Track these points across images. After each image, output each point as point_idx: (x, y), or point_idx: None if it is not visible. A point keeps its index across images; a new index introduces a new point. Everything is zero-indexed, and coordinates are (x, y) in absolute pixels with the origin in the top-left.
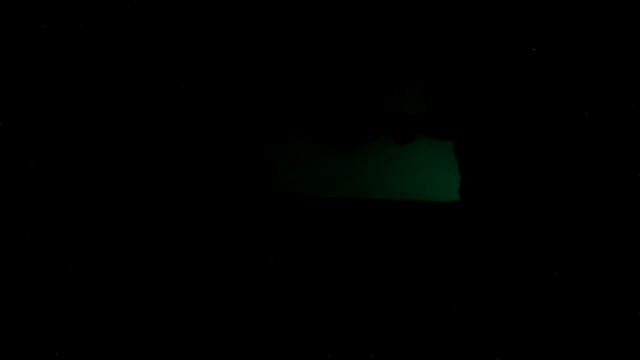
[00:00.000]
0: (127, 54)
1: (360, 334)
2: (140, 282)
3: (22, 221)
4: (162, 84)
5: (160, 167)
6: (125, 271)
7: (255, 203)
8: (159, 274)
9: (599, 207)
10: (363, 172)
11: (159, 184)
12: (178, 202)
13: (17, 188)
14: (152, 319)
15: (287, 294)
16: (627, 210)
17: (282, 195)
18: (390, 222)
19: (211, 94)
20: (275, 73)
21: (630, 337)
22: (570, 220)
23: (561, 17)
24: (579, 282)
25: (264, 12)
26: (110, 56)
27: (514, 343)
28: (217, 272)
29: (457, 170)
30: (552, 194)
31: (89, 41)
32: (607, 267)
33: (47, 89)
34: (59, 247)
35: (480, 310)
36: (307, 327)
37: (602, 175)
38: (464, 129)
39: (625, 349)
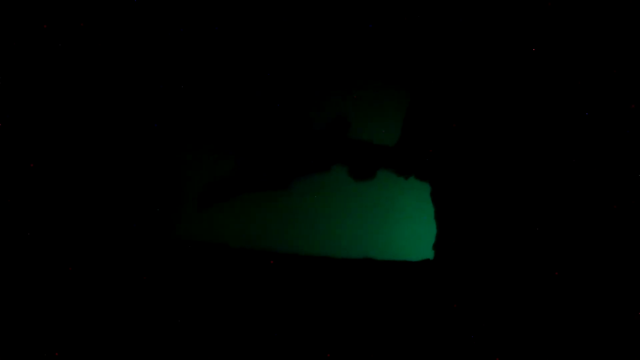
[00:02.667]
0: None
1: None
2: (140, 283)
3: (22, 221)
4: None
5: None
6: (125, 271)
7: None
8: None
9: (599, 207)
10: (303, 215)
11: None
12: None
13: (17, 188)
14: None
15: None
16: (627, 210)
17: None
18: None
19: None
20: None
21: (630, 337)
22: (568, 229)
23: (561, 17)
24: (579, 283)
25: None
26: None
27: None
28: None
29: (432, 219)
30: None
31: (89, 41)
32: (607, 267)
33: (47, 89)
34: (58, 247)
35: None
36: None
37: (602, 175)
38: (451, 163)
39: (625, 349)
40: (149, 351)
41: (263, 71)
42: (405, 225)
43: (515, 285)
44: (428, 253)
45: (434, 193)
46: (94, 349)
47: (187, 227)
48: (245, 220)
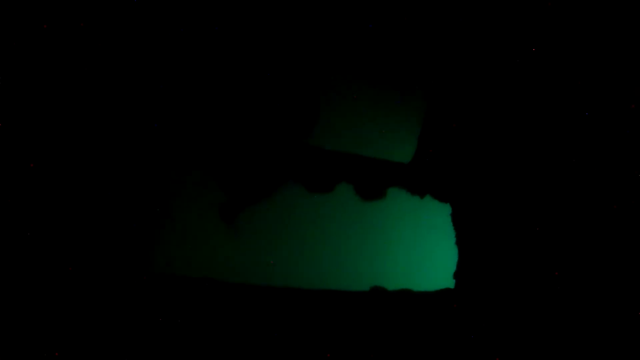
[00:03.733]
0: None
1: None
2: (140, 283)
3: (22, 221)
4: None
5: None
6: (124, 271)
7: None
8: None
9: (599, 207)
10: (304, 241)
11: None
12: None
13: (17, 188)
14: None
15: None
16: (627, 210)
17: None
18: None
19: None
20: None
21: (630, 337)
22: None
23: (561, 17)
24: (579, 283)
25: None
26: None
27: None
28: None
29: (452, 244)
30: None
31: (89, 41)
32: (607, 267)
33: (47, 89)
34: (58, 247)
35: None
36: None
37: (602, 175)
38: (472, 179)
39: (625, 349)
40: (148, 351)
41: (262, 72)
42: (420, 252)
43: (515, 285)
44: (448, 282)
45: (454, 214)
46: (94, 349)
47: (167, 259)
48: (235, 251)
